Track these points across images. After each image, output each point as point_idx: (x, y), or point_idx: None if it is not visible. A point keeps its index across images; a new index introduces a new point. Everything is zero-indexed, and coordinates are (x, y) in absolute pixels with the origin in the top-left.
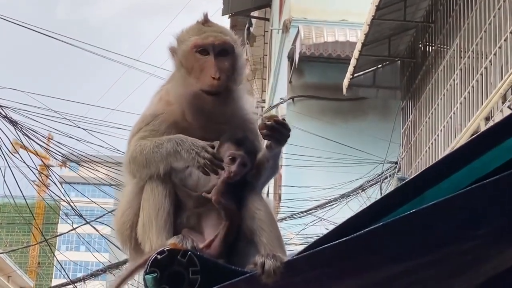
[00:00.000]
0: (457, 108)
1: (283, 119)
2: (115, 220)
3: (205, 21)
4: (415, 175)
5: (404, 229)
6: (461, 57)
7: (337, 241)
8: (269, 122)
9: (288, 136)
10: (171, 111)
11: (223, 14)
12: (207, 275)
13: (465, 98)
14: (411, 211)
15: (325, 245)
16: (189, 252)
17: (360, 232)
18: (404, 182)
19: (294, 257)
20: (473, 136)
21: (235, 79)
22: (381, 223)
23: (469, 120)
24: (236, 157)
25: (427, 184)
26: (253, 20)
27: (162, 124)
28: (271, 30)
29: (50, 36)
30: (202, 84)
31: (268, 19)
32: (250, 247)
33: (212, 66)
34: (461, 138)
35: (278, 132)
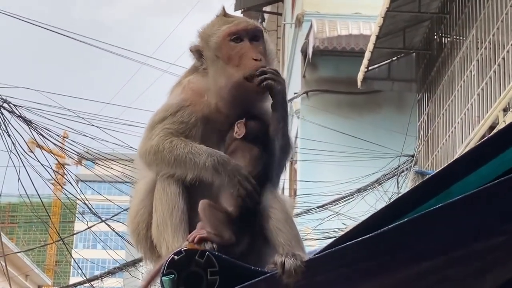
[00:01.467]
0: (474, 99)
1: (276, 71)
2: (129, 221)
3: (226, 14)
4: (440, 169)
5: (430, 225)
6: (478, 48)
7: (360, 238)
8: (257, 72)
9: (281, 78)
10: (201, 102)
11: (235, 10)
12: (226, 275)
13: (482, 89)
14: (437, 206)
15: (348, 243)
16: (207, 253)
17: (385, 228)
18: (429, 176)
19: (316, 255)
20: (500, 128)
21: (270, 64)
22: (406, 219)
23: (487, 112)
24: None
25: (453, 178)
26: (266, 15)
27: (192, 116)
28: (284, 24)
29: (62, 34)
30: (244, 69)
31: (280, 14)
32: (268, 246)
33: (251, 50)
34: (479, 130)
35: (269, 73)
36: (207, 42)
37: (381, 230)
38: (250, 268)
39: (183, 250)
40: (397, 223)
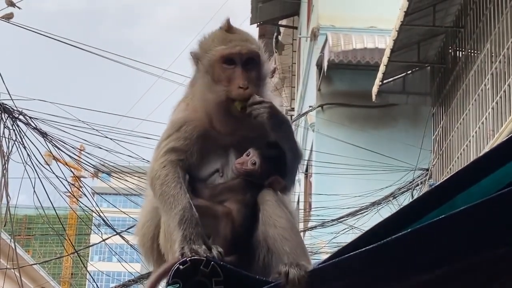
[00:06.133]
0: (489, 113)
1: (261, 100)
2: (136, 232)
3: (229, 28)
4: (444, 179)
5: (434, 235)
6: (492, 62)
7: (364, 248)
8: (249, 108)
9: (267, 109)
10: (199, 118)
11: (251, 23)
12: (231, 285)
13: (497, 103)
14: (441, 217)
15: (352, 253)
16: (212, 262)
17: (389, 238)
18: (433, 187)
19: (319, 265)
20: (504, 140)
21: (262, 87)
22: (410, 229)
23: (502, 125)
24: (250, 153)
25: (457, 189)
26: (281, 29)
27: (194, 132)
28: (299, 38)
29: (79, 48)
30: (229, 93)
31: (296, 27)
32: (273, 256)
33: (240, 76)
34: (494, 144)
35: (256, 108)
36: (204, 55)
37: (385, 240)
38: (254, 277)
39: (188, 259)
40: (401, 233)
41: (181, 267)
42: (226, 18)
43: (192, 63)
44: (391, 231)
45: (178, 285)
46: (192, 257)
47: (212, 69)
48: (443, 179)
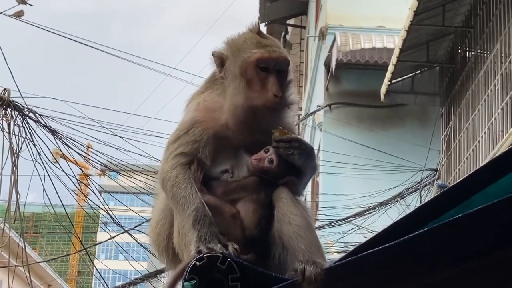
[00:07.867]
0: (498, 114)
1: (296, 138)
2: (150, 231)
3: (260, 32)
4: (460, 180)
5: (451, 234)
6: (502, 62)
7: (380, 247)
8: (274, 145)
9: (297, 149)
10: (212, 118)
11: (259, 23)
12: (247, 282)
13: (506, 103)
14: (456, 216)
15: (368, 251)
16: (228, 259)
17: (404, 237)
18: (449, 187)
19: (336, 263)
20: None
21: (288, 93)
22: (425, 229)
23: (511, 126)
24: (270, 151)
25: (473, 189)
26: (289, 28)
27: (204, 134)
28: (308, 37)
29: (84, 44)
30: (264, 100)
31: (304, 27)
32: (288, 253)
33: (275, 84)
34: (503, 145)
35: (285, 148)
36: (235, 56)
37: (401, 239)
38: (270, 274)
39: (205, 256)
40: (417, 232)
41: (197, 263)
42: (257, 22)
43: (214, 62)
44: (407, 230)
45: (194, 281)
46: (209, 254)
47: (245, 72)
48: (458, 180)
